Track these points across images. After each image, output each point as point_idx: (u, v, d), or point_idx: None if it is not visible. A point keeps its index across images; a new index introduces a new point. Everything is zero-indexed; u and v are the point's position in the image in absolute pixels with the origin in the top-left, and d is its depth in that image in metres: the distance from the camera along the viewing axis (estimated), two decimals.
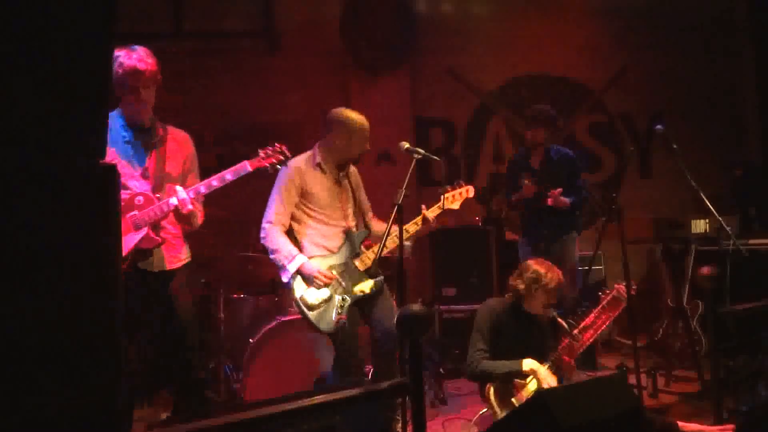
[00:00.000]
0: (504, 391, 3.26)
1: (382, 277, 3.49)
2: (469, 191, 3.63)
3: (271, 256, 3.42)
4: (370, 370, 3.72)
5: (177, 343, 3.12)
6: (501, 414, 3.19)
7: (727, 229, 3.84)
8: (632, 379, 3.45)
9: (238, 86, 6.01)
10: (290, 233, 3.47)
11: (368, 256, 3.45)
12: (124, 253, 2.83)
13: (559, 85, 6.50)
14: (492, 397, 3.25)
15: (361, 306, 3.46)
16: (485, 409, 3.33)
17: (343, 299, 3.35)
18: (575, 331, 3.38)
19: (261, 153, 3.13)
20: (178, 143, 3.17)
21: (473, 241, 5.39)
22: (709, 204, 3.67)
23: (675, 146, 3.74)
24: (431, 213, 3.47)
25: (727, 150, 6.52)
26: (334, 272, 3.38)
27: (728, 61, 6.67)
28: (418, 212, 3.48)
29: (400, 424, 2.94)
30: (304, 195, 3.46)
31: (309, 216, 3.48)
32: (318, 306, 3.33)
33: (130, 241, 2.90)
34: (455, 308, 5.13)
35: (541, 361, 3.32)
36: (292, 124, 5.78)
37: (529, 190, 4.60)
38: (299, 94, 6.05)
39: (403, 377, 2.82)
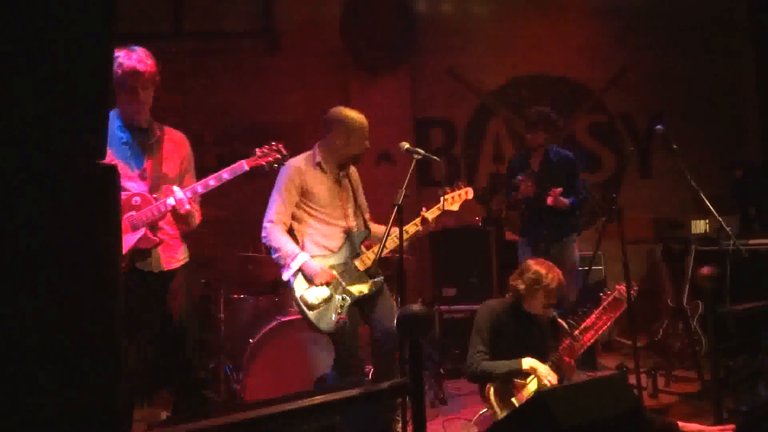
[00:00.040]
0: (504, 391, 3.26)
1: (382, 278, 3.49)
2: (468, 193, 3.63)
3: (273, 255, 3.42)
4: (370, 370, 3.72)
5: (177, 343, 3.12)
6: (501, 414, 3.19)
7: (727, 229, 3.84)
8: (632, 379, 3.45)
9: (238, 86, 6.01)
10: (291, 233, 3.48)
11: (368, 257, 3.45)
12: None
13: (559, 85, 6.50)
14: (492, 397, 3.25)
15: (361, 306, 3.46)
16: (485, 409, 3.33)
17: (343, 299, 3.35)
18: (576, 332, 3.38)
19: (258, 152, 3.13)
20: (175, 144, 3.17)
21: (473, 241, 5.39)
22: (709, 204, 3.67)
23: (675, 146, 3.74)
24: (431, 214, 3.47)
25: (727, 150, 6.52)
26: (335, 272, 3.39)
27: (728, 61, 6.67)
28: (418, 212, 3.48)
29: (400, 425, 2.93)
30: (304, 194, 3.46)
31: (310, 215, 3.48)
32: (318, 305, 3.33)
33: (127, 241, 2.90)
34: (455, 308, 5.12)
35: (541, 361, 3.31)
36: (292, 124, 5.77)
37: (526, 188, 4.59)
38: (299, 94, 6.05)
39: (403, 377, 2.82)
